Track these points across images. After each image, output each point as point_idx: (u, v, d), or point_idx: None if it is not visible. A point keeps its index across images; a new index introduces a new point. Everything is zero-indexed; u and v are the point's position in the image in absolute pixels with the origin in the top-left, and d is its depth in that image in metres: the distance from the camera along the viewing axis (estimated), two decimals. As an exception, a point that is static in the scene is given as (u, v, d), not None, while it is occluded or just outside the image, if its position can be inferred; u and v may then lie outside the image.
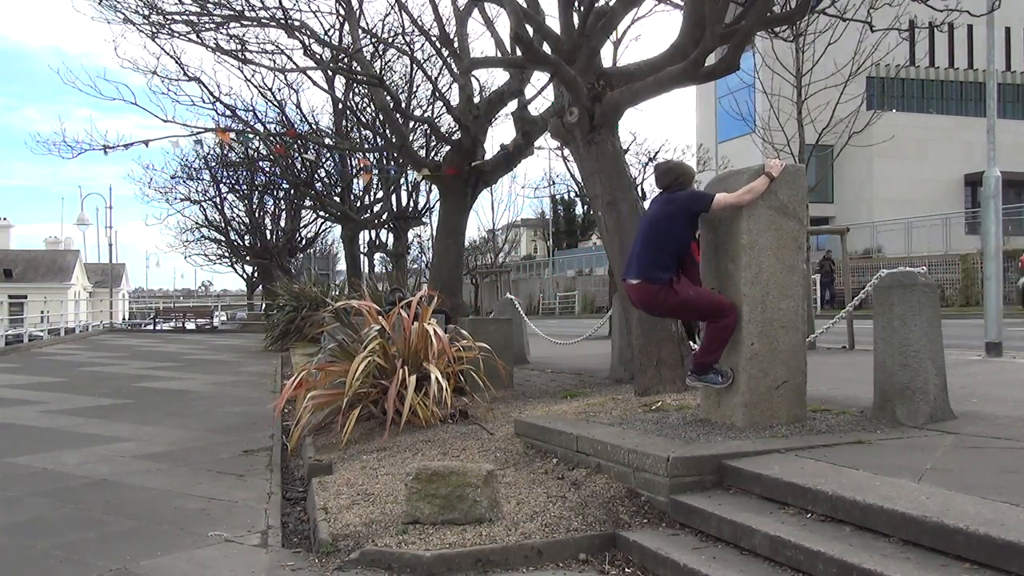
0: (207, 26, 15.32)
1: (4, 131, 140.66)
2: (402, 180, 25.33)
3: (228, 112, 21.67)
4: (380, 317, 8.16)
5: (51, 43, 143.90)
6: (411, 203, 26.71)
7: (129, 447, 7.96)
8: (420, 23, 16.84)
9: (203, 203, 37.33)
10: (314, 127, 26.12)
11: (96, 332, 34.30)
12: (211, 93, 20.56)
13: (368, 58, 18.08)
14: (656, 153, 33.33)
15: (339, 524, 4.71)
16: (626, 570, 4.06)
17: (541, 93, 15.22)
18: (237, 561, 4.52)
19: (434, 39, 16.09)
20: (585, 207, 52.60)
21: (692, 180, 5.77)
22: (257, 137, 21.97)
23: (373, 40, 18.23)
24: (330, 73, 19.09)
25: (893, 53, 16.88)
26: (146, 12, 15.07)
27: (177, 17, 15.08)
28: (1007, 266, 17.50)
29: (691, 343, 7.07)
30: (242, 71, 22.13)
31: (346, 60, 16.09)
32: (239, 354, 20.93)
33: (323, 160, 27.32)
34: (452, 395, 7.51)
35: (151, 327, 39.37)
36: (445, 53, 15.87)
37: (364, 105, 23.10)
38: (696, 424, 5.43)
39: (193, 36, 15.57)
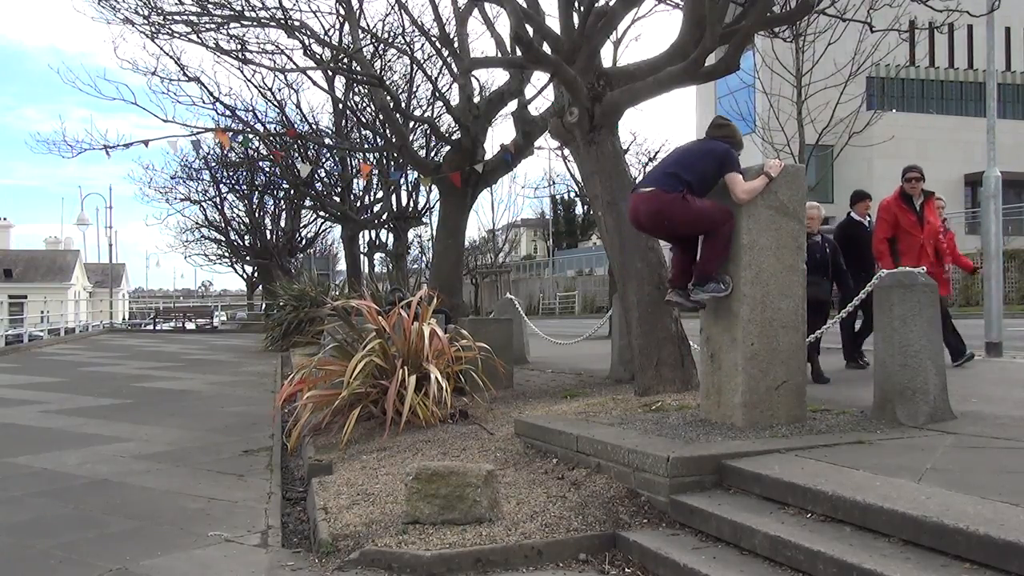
0: (207, 26, 15.32)
1: (2, 131, 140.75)
2: (402, 180, 25.33)
3: (228, 112, 21.69)
4: (380, 317, 8.16)
5: (48, 43, 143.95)
6: (411, 203, 26.72)
7: (129, 447, 7.96)
8: (420, 23, 16.89)
9: (203, 203, 37.35)
10: (314, 127, 26.13)
11: (96, 332, 34.29)
12: (211, 93, 20.60)
13: (368, 58, 18.08)
14: (656, 153, 33.37)
15: (339, 524, 4.70)
16: (626, 570, 4.05)
17: (541, 93, 15.26)
18: (237, 561, 4.52)
19: (434, 39, 16.12)
20: (585, 207, 52.64)
21: (737, 147, 5.64)
22: (257, 137, 21.94)
23: (373, 40, 18.24)
24: (330, 73, 19.09)
25: (893, 53, 16.90)
26: (146, 12, 15.07)
27: (177, 17, 15.08)
28: (1007, 266, 17.49)
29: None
30: (242, 71, 22.19)
31: (346, 60, 16.10)
32: (239, 354, 20.94)
33: (323, 161, 27.31)
34: (452, 395, 7.51)
35: (151, 327, 39.37)
36: (445, 53, 15.88)
37: (364, 105, 23.10)
38: (696, 424, 5.43)
39: (193, 36, 15.56)
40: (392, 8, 19.56)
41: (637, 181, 6.26)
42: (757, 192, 5.22)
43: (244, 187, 35.32)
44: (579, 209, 56.45)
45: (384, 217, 26.68)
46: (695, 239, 5.49)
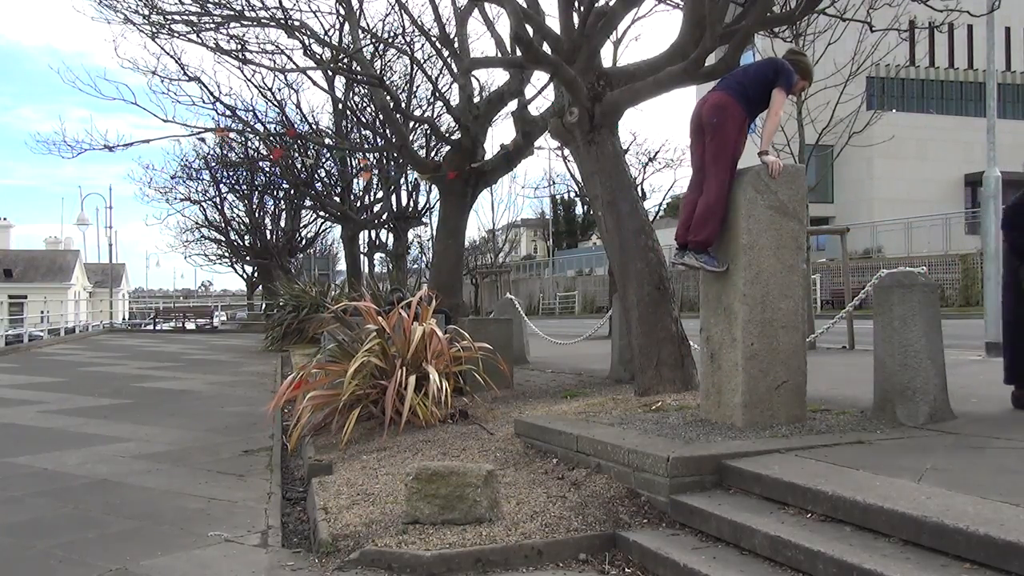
0: (207, 26, 15.32)
1: (0, 131, 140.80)
2: (402, 180, 25.33)
3: (228, 112, 21.69)
4: (379, 317, 8.16)
5: (44, 42, 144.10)
6: (411, 203, 26.73)
7: (129, 447, 7.96)
8: (420, 23, 16.87)
9: (203, 203, 37.39)
10: (314, 127, 26.14)
11: (96, 332, 34.31)
12: (211, 93, 20.56)
13: (368, 58, 18.08)
14: (656, 153, 33.35)
15: (339, 524, 4.70)
16: (626, 570, 4.05)
17: (541, 93, 15.26)
18: (237, 561, 4.52)
19: (434, 39, 16.12)
20: (585, 207, 52.72)
21: (805, 72, 5.76)
22: (257, 137, 21.94)
23: (373, 40, 18.24)
24: (330, 73, 19.09)
25: (893, 53, 16.88)
26: (146, 12, 15.08)
27: (177, 17, 15.08)
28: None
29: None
30: (242, 71, 22.12)
31: (346, 60, 16.10)
32: (239, 354, 20.94)
33: (323, 160, 27.31)
34: (452, 395, 7.51)
35: (151, 327, 39.39)
36: (445, 53, 15.89)
37: (364, 105, 23.10)
38: (696, 424, 5.43)
39: (193, 36, 15.56)
40: (392, 8, 19.58)
41: (637, 181, 6.31)
42: (776, 119, 5.47)
43: (244, 187, 35.34)
44: (579, 209, 56.52)
45: (384, 217, 26.69)
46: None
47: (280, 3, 15.51)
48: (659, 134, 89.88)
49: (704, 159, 5.53)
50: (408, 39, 18.91)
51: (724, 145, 5.44)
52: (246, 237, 38.58)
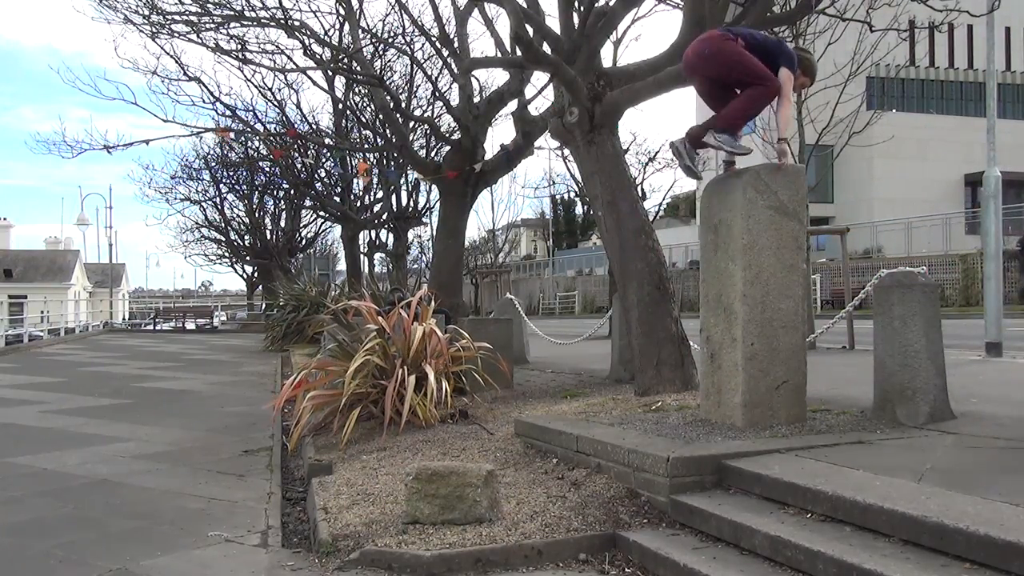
0: (207, 26, 15.33)
1: (0, 131, 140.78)
2: (402, 180, 25.33)
3: (228, 112, 21.69)
4: (379, 317, 8.16)
5: (44, 42, 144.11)
6: (411, 203, 26.73)
7: (129, 447, 7.96)
8: (420, 23, 16.89)
9: (203, 203, 37.43)
10: (314, 127, 26.14)
11: (96, 332, 34.31)
12: (211, 93, 20.59)
13: (368, 58, 18.09)
14: (656, 153, 33.34)
15: (339, 524, 4.70)
16: (626, 570, 4.05)
17: (541, 93, 15.27)
18: (237, 561, 4.52)
19: (434, 39, 16.13)
20: (585, 207, 52.74)
21: (808, 68, 5.68)
22: (257, 137, 21.96)
23: (373, 40, 18.24)
24: (330, 73, 19.09)
25: (893, 53, 16.87)
26: (146, 12, 15.08)
27: (177, 17, 15.09)
28: (1007, 266, 17.50)
29: None
30: (242, 71, 22.16)
31: (346, 60, 16.10)
32: (239, 354, 20.94)
33: (323, 160, 27.32)
34: (452, 395, 7.51)
35: (151, 327, 39.40)
36: (445, 53, 15.90)
37: (364, 105, 23.11)
38: (696, 424, 5.43)
39: (193, 36, 15.58)
40: (392, 8, 19.60)
41: (637, 181, 6.30)
42: (789, 103, 5.40)
43: (244, 187, 35.37)
44: (579, 209, 56.55)
45: (384, 217, 26.69)
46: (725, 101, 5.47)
47: (280, 3, 15.53)
48: (659, 134, 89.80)
49: (712, 89, 5.49)
50: (408, 39, 18.93)
51: (732, 56, 5.29)
52: (246, 237, 38.61)
